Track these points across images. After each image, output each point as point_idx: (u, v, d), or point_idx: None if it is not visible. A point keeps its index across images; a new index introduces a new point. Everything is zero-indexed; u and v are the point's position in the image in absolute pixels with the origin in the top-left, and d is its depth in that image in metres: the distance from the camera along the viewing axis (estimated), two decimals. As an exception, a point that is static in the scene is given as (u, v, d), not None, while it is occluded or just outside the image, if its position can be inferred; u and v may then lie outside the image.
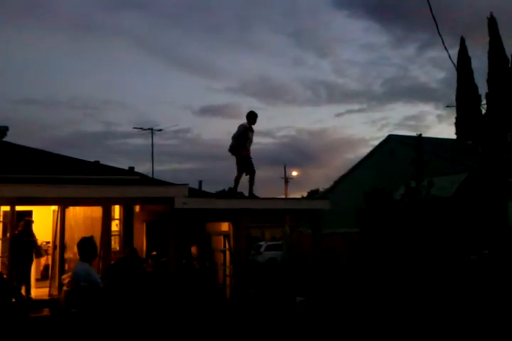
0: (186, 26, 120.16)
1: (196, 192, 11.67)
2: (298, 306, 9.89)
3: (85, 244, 5.77)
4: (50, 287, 10.66)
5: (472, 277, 9.07)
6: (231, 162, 10.21)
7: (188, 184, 9.06)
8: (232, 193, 10.29)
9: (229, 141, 10.20)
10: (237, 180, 10.22)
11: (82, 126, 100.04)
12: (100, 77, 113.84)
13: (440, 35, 5.90)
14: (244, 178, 10.24)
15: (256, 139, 10.34)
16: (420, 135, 10.32)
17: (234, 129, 10.24)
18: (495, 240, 12.32)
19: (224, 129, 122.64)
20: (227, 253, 10.86)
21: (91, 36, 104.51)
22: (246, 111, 10.43)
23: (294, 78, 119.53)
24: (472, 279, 8.70)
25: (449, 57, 6.48)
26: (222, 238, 11.91)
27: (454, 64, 6.72)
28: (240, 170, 10.11)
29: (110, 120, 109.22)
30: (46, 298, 9.96)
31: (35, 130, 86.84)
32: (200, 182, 16.72)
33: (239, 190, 10.35)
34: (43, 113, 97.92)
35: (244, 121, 10.27)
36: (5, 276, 8.65)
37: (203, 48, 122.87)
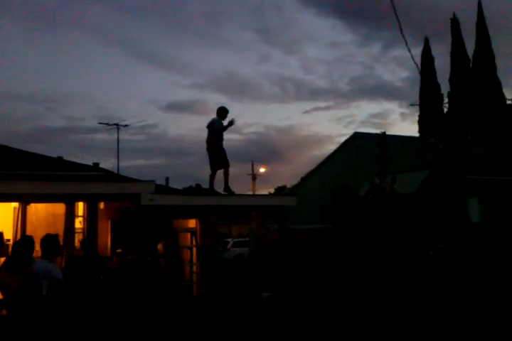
0: (152, 20, 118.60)
1: (163, 189, 11.55)
2: (264, 302, 9.97)
3: (49, 241, 5.64)
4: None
5: (428, 270, 9.35)
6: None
7: (154, 180, 8.96)
8: (211, 191, 10.16)
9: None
10: (212, 177, 10.17)
11: (44, 121, 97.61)
12: (63, 70, 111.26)
13: (403, 35, 6.03)
14: (218, 174, 10.21)
15: (223, 135, 10.31)
16: (384, 133, 10.55)
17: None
18: (453, 235, 12.70)
19: (191, 125, 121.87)
20: (194, 249, 10.82)
21: (53, 29, 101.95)
22: (213, 107, 10.45)
23: (261, 74, 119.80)
24: (428, 272, 8.98)
25: (412, 57, 6.63)
26: (189, 234, 11.87)
27: (416, 64, 6.89)
28: (216, 165, 10.03)
29: (73, 115, 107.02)
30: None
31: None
32: (167, 179, 16.61)
33: (204, 186, 10.31)
34: (2, 107, 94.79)
35: (213, 116, 10.31)
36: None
37: (169, 43, 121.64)
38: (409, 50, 6.12)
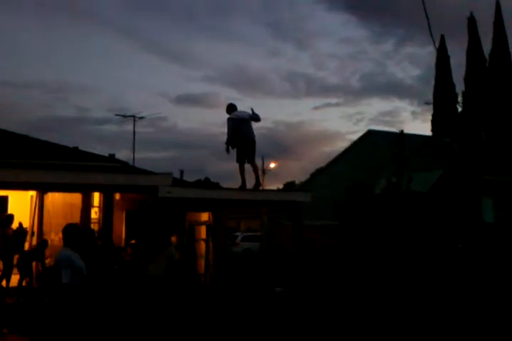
0: (164, 12, 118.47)
1: (178, 182, 11.61)
2: (277, 296, 10.00)
3: (70, 230, 5.68)
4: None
5: (445, 269, 9.31)
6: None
7: (172, 173, 9.01)
8: (243, 186, 9.89)
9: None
10: (242, 172, 9.83)
11: (55, 111, 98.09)
12: (74, 61, 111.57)
13: (432, 35, 5.97)
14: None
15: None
16: (402, 131, 10.50)
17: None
18: (468, 235, 12.65)
19: (201, 119, 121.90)
20: (210, 243, 10.89)
21: (65, 19, 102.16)
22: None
23: (272, 69, 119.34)
24: (445, 271, 8.94)
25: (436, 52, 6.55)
26: (201, 227, 11.93)
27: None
28: (246, 159, 9.68)
29: (84, 105, 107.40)
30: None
31: (5, 113, 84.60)
32: (182, 172, 16.66)
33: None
34: (14, 96, 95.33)
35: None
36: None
37: (181, 36, 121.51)
38: (435, 47, 6.05)
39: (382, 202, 9.51)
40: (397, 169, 9.93)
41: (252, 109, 9.82)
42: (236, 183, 10.21)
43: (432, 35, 6.03)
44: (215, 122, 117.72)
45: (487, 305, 7.72)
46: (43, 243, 10.38)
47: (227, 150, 9.73)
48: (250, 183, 10.06)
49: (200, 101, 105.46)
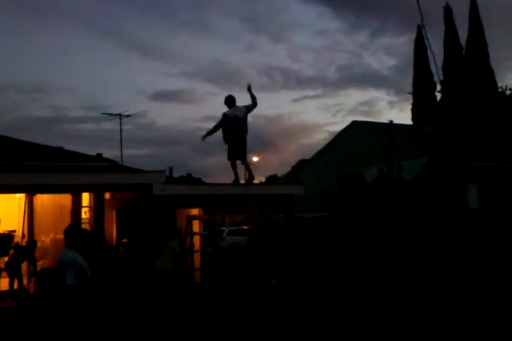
0: (139, 8, 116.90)
1: (169, 179, 11.55)
2: (273, 288, 10.05)
3: (72, 231, 5.61)
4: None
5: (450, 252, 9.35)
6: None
7: (165, 170, 8.95)
8: (236, 182, 9.81)
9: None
10: (234, 167, 9.74)
11: (30, 111, 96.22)
12: (48, 60, 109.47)
13: (424, 29, 6.01)
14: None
15: (212, 125, 9.79)
16: (391, 121, 10.61)
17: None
18: (456, 221, 12.88)
19: (179, 115, 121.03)
20: (197, 237, 10.90)
21: (38, 18, 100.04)
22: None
23: (249, 63, 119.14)
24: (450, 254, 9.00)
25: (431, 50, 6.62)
26: (195, 222, 11.92)
27: (433, 55, 6.88)
28: (238, 155, 9.62)
29: (60, 104, 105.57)
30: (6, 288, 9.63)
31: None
32: (171, 169, 16.55)
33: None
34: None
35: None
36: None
37: (156, 31, 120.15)
38: (429, 44, 6.11)
39: (375, 192, 9.63)
40: (388, 158, 10.06)
41: (249, 87, 9.52)
42: (218, 178, 10.26)
43: (422, 23, 6.07)
44: (193, 117, 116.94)
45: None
46: (31, 243, 10.22)
47: (203, 138, 9.52)
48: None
49: (178, 97, 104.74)
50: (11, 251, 10.03)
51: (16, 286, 9.65)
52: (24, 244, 10.55)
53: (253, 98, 9.56)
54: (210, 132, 9.52)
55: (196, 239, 11.18)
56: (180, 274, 8.34)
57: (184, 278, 9.02)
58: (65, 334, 5.26)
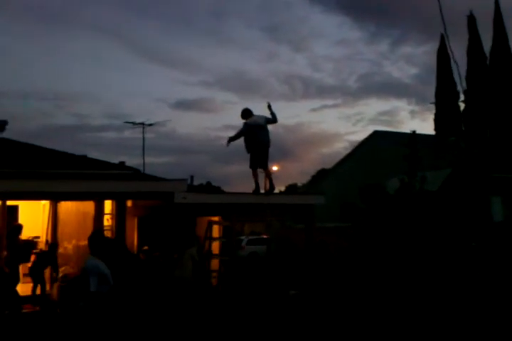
0: (160, 18, 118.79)
1: (190, 187, 11.64)
2: (291, 299, 9.99)
3: (96, 238, 5.70)
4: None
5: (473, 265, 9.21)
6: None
7: (187, 179, 9.05)
8: (257, 190, 9.89)
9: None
10: (256, 176, 9.82)
11: (53, 119, 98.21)
12: (72, 69, 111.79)
13: (447, 36, 5.99)
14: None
15: (232, 134, 9.89)
16: (414, 132, 10.52)
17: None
18: (480, 234, 12.64)
19: (199, 123, 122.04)
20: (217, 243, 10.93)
21: (63, 28, 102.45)
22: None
23: (269, 72, 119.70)
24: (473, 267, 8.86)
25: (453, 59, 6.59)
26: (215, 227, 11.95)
27: (456, 62, 6.83)
28: (261, 164, 9.69)
29: (82, 113, 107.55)
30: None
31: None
32: (192, 177, 16.70)
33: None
34: (12, 104, 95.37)
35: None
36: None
37: (177, 41, 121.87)
38: (452, 53, 6.09)
39: (398, 203, 9.53)
40: (410, 169, 9.97)
41: (269, 105, 9.70)
42: (236, 187, 10.31)
43: (446, 33, 6.04)
44: (213, 126, 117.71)
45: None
46: (53, 246, 10.35)
47: (227, 144, 9.64)
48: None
49: (198, 106, 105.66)
50: (34, 257, 10.20)
51: (38, 292, 9.77)
52: (47, 249, 10.72)
53: (273, 115, 9.73)
54: (233, 138, 9.67)
55: (215, 245, 11.22)
56: (200, 283, 8.37)
57: (203, 286, 9.04)
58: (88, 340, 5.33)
